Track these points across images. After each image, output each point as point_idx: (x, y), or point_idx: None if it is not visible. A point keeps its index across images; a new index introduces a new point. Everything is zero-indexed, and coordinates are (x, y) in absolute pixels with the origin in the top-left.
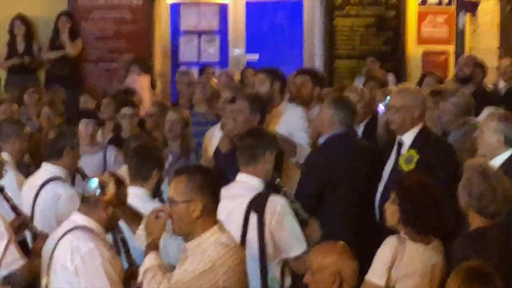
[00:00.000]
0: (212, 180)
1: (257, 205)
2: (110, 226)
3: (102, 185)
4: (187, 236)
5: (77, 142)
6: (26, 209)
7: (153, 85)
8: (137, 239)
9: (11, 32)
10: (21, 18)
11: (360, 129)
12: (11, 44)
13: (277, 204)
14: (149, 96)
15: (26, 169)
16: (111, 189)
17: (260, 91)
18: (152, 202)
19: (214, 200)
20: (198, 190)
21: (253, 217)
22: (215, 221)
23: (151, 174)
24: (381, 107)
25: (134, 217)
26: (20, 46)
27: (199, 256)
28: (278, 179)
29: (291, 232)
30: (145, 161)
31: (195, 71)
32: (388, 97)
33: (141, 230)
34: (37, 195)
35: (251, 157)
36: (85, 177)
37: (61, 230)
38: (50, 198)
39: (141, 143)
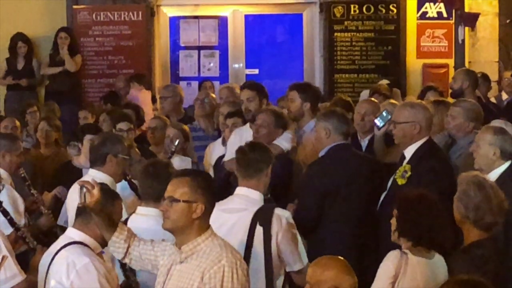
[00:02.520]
0: (211, 184)
1: (263, 218)
2: (105, 241)
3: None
4: (179, 236)
5: (121, 149)
6: (71, 216)
7: (153, 100)
8: (110, 246)
9: (12, 50)
10: (22, 37)
11: (364, 143)
12: (11, 61)
13: (282, 217)
14: (151, 111)
15: (23, 184)
16: (94, 195)
17: (249, 107)
18: None
19: (212, 204)
20: (201, 191)
21: (259, 230)
22: (208, 225)
23: (164, 193)
24: (376, 122)
25: (111, 224)
26: (20, 64)
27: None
28: (269, 194)
29: (296, 245)
30: (158, 181)
31: (195, 86)
32: (384, 112)
33: (116, 237)
34: None
35: (256, 170)
36: (132, 184)
37: (57, 245)
38: None
39: (153, 161)
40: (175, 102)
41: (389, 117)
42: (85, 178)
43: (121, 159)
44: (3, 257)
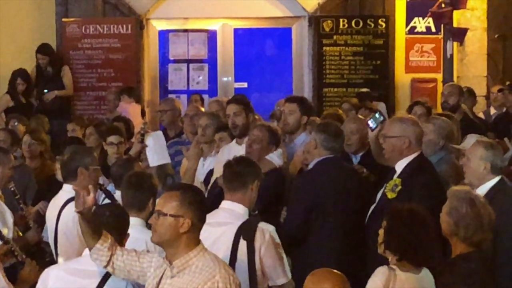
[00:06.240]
0: (202, 199)
1: (246, 232)
2: None
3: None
4: (168, 249)
5: (91, 161)
6: (50, 231)
7: (142, 113)
8: (92, 253)
9: (12, 84)
10: (22, 75)
11: (356, 159)
12: (12, 93)
13: (266, 232)
14: (140, 124)
15: (12, 198)
16: (88, 202)
17: (236, 122)
18: (147, 232)
19: (201, 219)
20: (189, 207)
21: (242, 244)
22: (198, 240)
23: (147, 203)
24: (369, 123)
25: (95, 232)
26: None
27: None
28: (256, 211)
29: (279, 259)
30: (141, 191)
31: (184, 99)
32: (377, 113)
33: (100, 245)
34: (59, 216)
35: (241, 184)
36: (108, 193)
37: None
38: (71, 218)
39: (135, 172)
40: (174, 116)
41: (382, 118)
42: (60, 194)
43: (92, 170)
44: None
